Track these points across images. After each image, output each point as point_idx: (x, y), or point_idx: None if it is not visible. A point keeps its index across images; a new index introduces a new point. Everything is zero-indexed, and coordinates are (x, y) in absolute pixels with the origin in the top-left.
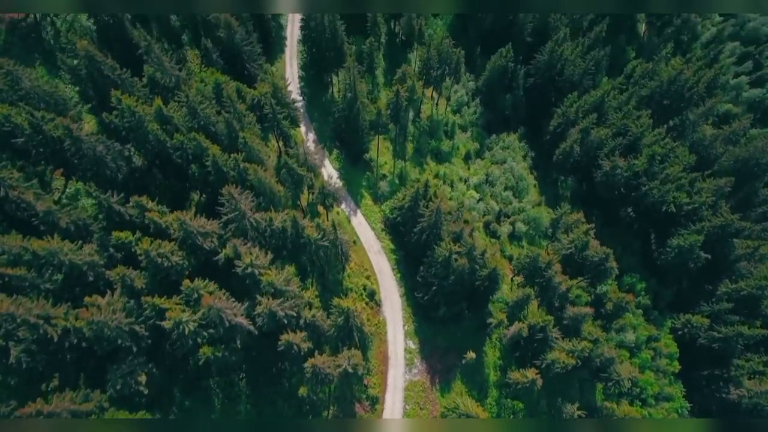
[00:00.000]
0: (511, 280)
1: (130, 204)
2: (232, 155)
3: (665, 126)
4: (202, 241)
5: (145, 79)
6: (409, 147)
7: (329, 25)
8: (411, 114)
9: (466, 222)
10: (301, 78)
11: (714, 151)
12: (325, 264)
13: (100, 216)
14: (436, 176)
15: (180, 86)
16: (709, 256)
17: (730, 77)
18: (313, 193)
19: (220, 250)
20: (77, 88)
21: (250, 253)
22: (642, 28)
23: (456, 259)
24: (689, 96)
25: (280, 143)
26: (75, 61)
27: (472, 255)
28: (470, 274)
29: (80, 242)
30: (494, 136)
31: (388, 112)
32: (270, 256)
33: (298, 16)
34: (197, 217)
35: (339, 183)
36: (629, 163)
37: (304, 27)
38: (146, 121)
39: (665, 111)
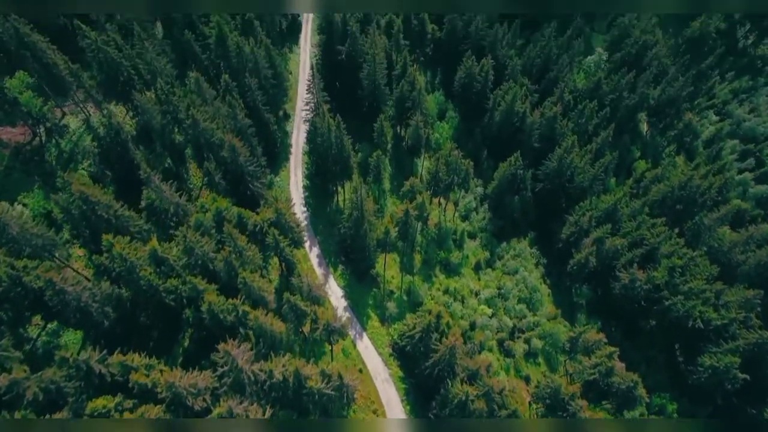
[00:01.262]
0: (529, 404)
1: (112, 362)
2: (230, 300)
3: (678, 229)
4: (192, 402)
5: (143, 203)
6: (417, 259)
7: (336, 140)
8: (419, 225)
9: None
10: (305, 187)
11: (735, 257)
12: (328, 404)
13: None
14: (446, 292)
15: (179, 213)
16: (747, 377)
17: (734, 173)
18: (317, 329)
19: (212, 408)
20: (69, 226)
21: (246, 414)
22: (644, 127)
23: (472, 401)
24: (702, 201)
25: (283, 266)
26: (69, 199)
27: (490, 396)
28: (489, 416)
29: (48, 415)
30: (505, 243)
31: (396, 229)
32: (269, 412)
33: (303, 127)
34: (188, 372)
35: (345, 316)
36: (648, 275)
37: (310, 140)
38: (138, 267)
39: (678, 215)
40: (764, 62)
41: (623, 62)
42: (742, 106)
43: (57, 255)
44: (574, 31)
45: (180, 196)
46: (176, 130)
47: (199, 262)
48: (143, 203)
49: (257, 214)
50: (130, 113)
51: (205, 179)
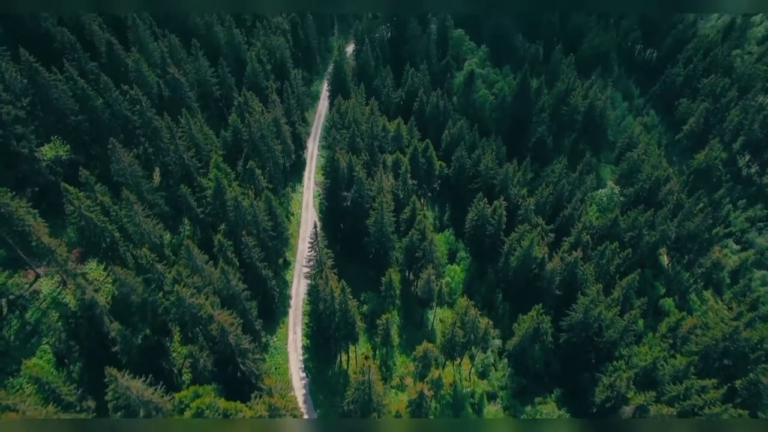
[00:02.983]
0: None
1: None
2: None
3: (728, 386)
4: None
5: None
6: None
7: (340, 305)
8: (433, 398)
9: None
10: (305, 348)
11: None
12: None
13: None
14: None
15: (150, 414)
16: None
17: None
18: None
19: None
20: None
21: None
22: (665, 260)
23: None
24: (755, 358)
25: None
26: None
27: None
28: None
29: None
30: (529, 406)
31: (409, 410)
32: None
33: (303, 283)
34: None
35: None
36: None
37: (311, 301)
38: None
39: (727, 370)
40: None
41: (637, 197)
42: (762, 235)
43: None
44: (584, 166)
45: (157, 385)
46: (160, 300)
47: None
48: (109, 396)
49: (248, 407)
50: (111, 277)
51: (188, 362)
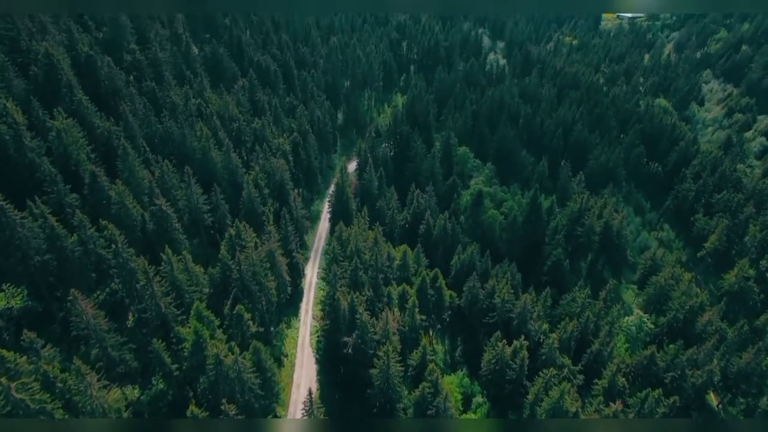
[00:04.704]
0: None
1: None
2: None
3: None
4: None
5: None
6: None
7: None
8: None
9: None
10: None
11: None
12: None
13: None
14: None
15: None
16: None
17: None
18: None
19: None
20: None
21: None
22: (714, 400)
23: None
24: None
25: None
26: None
27: None
28: None
29: None
30: None
31: None
32: None
33: None
34: None
35: None
36: None
37: None
38: None
39: None
40: None
41: (671, 328)
42: None
43: None
44: (608, 293)
45: None
46: None
47: None
48: None
49: None
50: None
51: None
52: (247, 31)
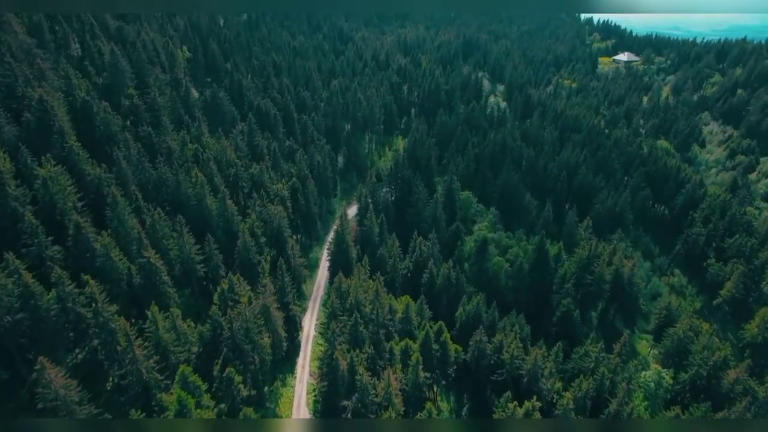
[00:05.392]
0: None
1: None
2: None
3: None
4: None
5: None
6: None
7: None
8: None
9: None
10: None
11: None
12: None
13: None
14: None
15: None
16: None
17: None
18: None
19: None
20: None
21: None
22: None
23: None
24: None
25: None
26: None
27: None
28: None
29: None
30: None
31: None
32: None
33: None
34: None
35: None
36: None
37: None
38: None
39: None
40: None
41: (693, 385)
42: None
43: None
44: (623, 346)
45: None
46: None
47: None
48: None
49: None
50: None
51: None
52: (249, 75)
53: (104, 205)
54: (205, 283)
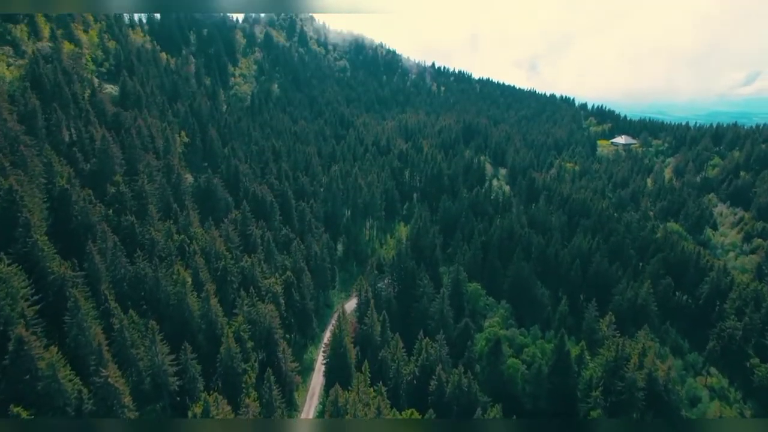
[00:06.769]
0: None
1: None
2: None
3: None
4: None
5: None
6: None
7: None
8: None
9: None
10: None
11: None
12: None
13: None
14: None
15: None
16: None
17: None
18: None
19: None
20: None
21: None
22: None
23: None
24: None
25: None
26: None
27: None
28: None
29: None
30: None
31: None
32: None
33: None
34: None
35: None
36: None
37: None
38: None
39: None
40: None
41: None
42: None
43: None
44: None
45: None
46: None
47: None
48: None
49: None
50: None
51: None
52: (247, 160)
53: (65, 310)
54: (179, 398)
